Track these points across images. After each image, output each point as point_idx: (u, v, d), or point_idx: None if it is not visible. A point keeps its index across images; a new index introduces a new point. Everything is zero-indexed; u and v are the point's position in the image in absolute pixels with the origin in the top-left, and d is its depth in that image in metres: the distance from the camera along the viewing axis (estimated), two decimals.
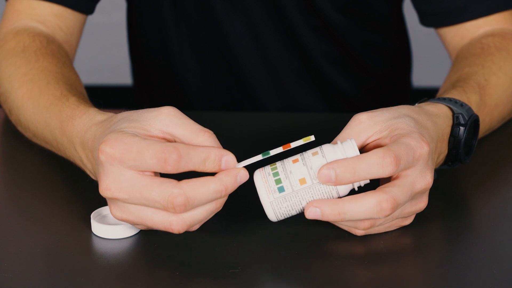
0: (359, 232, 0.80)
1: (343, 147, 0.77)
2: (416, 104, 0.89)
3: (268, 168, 0.78)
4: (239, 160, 0.76)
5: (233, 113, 1.17)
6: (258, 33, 1.25)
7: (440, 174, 0.88)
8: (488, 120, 0.99)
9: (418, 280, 0.76)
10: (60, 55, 1.03)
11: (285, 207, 0.77)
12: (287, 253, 0.78)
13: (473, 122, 0.90)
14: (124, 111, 0.80)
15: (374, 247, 0.79)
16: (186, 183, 0.73)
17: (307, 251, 0.79)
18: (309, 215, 0.76)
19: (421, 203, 0.80)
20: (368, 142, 0.81)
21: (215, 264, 0.76)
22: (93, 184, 0.80)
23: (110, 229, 0.80)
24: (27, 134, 0.99)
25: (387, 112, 0.81)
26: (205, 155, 0.74)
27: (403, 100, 1.40)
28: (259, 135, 1.03)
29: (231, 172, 0.75)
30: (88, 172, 0.84)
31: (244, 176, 0.75)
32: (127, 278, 0.75)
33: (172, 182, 0.73)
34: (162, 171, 0.73)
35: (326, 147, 0.78)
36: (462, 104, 0.89)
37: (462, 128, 0.88)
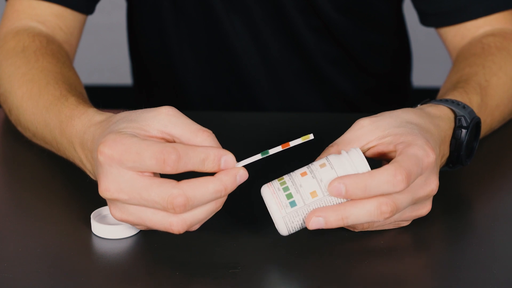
0: (357, 230, 0.80)
1: (350, 158, 0.77)
2: (418, 106, 0.89)
3: (276, 183, 0.78)
4: (239, 159, 0.76)
5: (233, 113, 1.17)
6: (258, 33, 1.25)
7: (441, 175, 0.88)
8: (489, 121, 0.99)
9: (418, 280, 0.76)
10: (60, 55, 1.03)
11: (298, 221, 0.77)
12: (287, 253, 0.78)
13: (475, 124, 0.90)
14: (123, 111, 0.80)
15: (374, 247, 0.79)
16: (186, 183, 0.73)
17: (307, 251, 0.79)
18: (313, 225, 0.76)
19: (423, 209, 0.80)
20: (369, 146, 0.80)
21: (215, 264, 0.76)
22: (93, 184, 0.80)
23: (110, 229, 0.80)
24: (27, 134, 0.99)
25: (390, 118, 0.81)
26: (204, 155, 0.74)
27: (403, 100, 1.40)
28: (259, 135, 1.03)
29: (231, 171, 0.75)
30: (88, 172, 0.84)
31: (243, 175, 0.75)
32: (127, 278, 0.75)
33: (172, 182, 0.73)
34: (161, 172, 0.73)
35: (332, 157, 0.78)
36: (464, 106, 0.89)
37: (464, 131, 0.87)
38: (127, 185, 0.74)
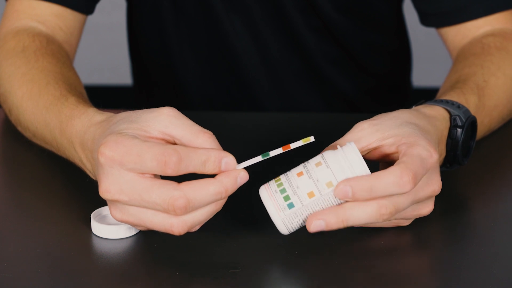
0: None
1: (344, 152, 0.77)
2: (413, 107, 0.89)
3: (273, 185, 0.78)
4: (239, 160, 0.76)
5: (233, 113, 1.17)
6: (258, 33, 1.25)
7: (440, 175, 0.88)
8: (487, 121, 0.99)
9: (418, 280, 0.76)
10: (60, 55, 1.03)
11: (297, 221, 0.77)
12: (287, 253, 0.78)
13: (471, 123, 0.90)
14: (123, 111, 0.80)
15: (374, 247, 0.79)
16: (187, 185, 0.73)
17: (307, 251, 0.79)
18: (313, 229, 0.76)
19: (426, 208, 0.80)
20: (369, 148, 0.80)
21: (215, 264, 0.76)
22: (93, 184, 0.80)
23: (110, 229, 0.80)
24: (27, 134, 0.99)
25: (389, 120, 0.81)
26: (205, 157, 0.74)
27: (403, 100, 1.40)
28: (259, 135, 1.03)
29: (231, 173, 0.75)
30: (88, 172, 0.84)
31: (244, 177, 0.75)
32: (127, 278, 0.75)
33: (173, 184, 0.73)
34: (162, 174, 0.73)
35: (327, 154, 0.78)
36: (459, 106, 0.89)
37: (459, 130, 0.87)
38: (128, 187, 0.74)
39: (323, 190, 0.76)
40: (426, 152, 0.77)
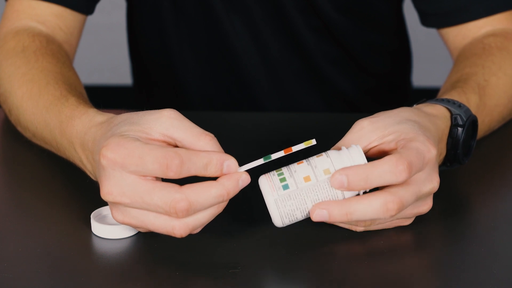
0: (359, 229, 0.80)
1: (349, 153, 0.77)
2: (414, 106, 0.89)
3: (273, 171, 0.78)
4: (239, 161, 0.76)
5: (233, 113, 1.17)
6: (258, 33, 1.25)
7: (440, 175, 0.88)
8: (488, 121, 0.99)
9: (418, 280, 0.76)
10: (60, 55, 1.03)
11: (290, 206, 0.77)
12: (287, 253, 0.78)
13: (471, 122, 0.90)
14: (124, 112, 0.80)
15: (374, 247, 0.79)
16: (188, 188, 0.73)
17: (307, 251, 0.79)
18: (316, 217, 0.76)
19: (425, 206, 0.80)
20: (370, 147, 0.81)
21: (215, 264, 0.76)
22: (93, 184, 0.80)
23: (110, 229, 0.80)
24: (27, 134, 0.99)
25: (389, 118, 0.81)
26: (207, 160, 0.74)
27: (403, 100, 1.40)
28: (259, 135, 1.03)
29: (233, 176, 0.75)
30: (88, 173, 0.84)
31: (245, 180, 0.75)
32: (127, 278, 0.75)
33: (174, 187, 0.73)
34: (164, 177, 0.73)
35: (331, 152, 0.78)
36: (460, 105, 0.89)
37: (460, 129, 0.88)
38: (130, 189, 0.74)
39: (319, 176, 0.76)
40: (424, 147, 0.77)
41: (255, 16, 1.24)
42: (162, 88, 1.35)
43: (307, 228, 0.81)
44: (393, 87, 1.38)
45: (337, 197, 0.77)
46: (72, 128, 0.85)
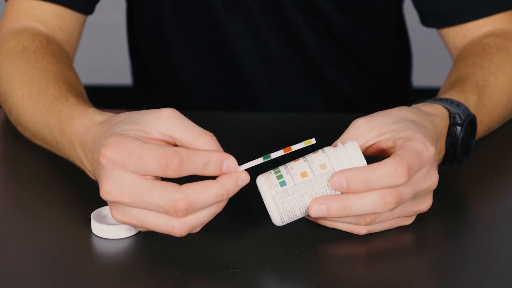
0: (361, 231, 0.80)
1: (346, 148, 0.77)
2: (413, 105, 0.89)
3: (270, 170, 0.79)
4: (239, 161, 0.76)
5: (233, 113, 1.17)
6: (258, 33, 1.25)
7: (440, 174, 0.88)
8: (487, 120, 0.99)
9: (418, 280, 0.76)
10: (60, 55, 1.03)
11: (288, 202, 0.77)
12: (287, 253, 0.78)
13: (470, 121, 0.90)
14: (123, 111, 0.80)
15: (374, 247, 0.79)
16: (188, 187, 0.73)
17: (307, 251, 0.79)
18: (315, 213, 0.76)
19: (425, 204, 0.80)
20: (367, 145, 0.81)
21: (215, 264, 0.76)
22: (93, 184, 0.80)
23: (110, 229, 0.80)
24: (27, 134, 0.99)
25: (386, 117, 0.82)
26: (207, 159, 0.74)
27: (403, 100, 1.40)
28: (259, 135, 1.03)
29: (233, 175, 0.75)
30: (88, 172, 0.84)
31: (245, 179, 0.75)
32: (127, 278, 0.75)
33: (174, 186, 0.73)
34: (164, 176, 0.73)
35: (328, 148, 0.78)
36: (458, 104, 0.89)
37: (458, 128, 0.88)
38: (129, 188, 0.74)
39: (316, 171, 0.77)
40: (422, 146, 0.78)
41: (255, 16, 1.24)
42: (162, 88, 1.35)
43: (307, 228, 0.81)
44: (393, 87, 1.38)
45: (335, 192, 0.77)
46: (71, 128, 0.85)
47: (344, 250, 0.79)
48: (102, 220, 0.82)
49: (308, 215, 0.79)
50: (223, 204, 0.76)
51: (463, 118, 0.88)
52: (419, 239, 0.81)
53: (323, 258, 0.78)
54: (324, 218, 0.79)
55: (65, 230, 0.83)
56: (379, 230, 0.80)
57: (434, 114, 0.87)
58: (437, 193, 0.82)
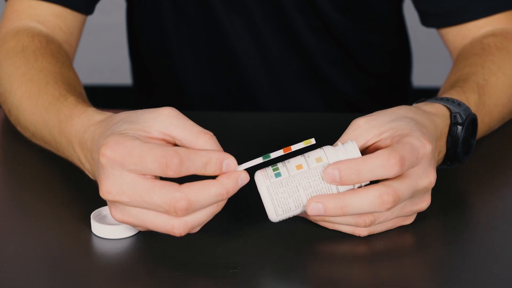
0: (362, 233, 0.80)
1: (345, 148, 0.78)
2: (414, 105, 0.89)
3: (268, 166, 0.79)
4: (239, 161, 0.76)
5: (233, 113, 1.17)
6: (258, 33, 1.25)
7: (440, 174, 0.88)
8: (487, 120, 0.99)
9: (418, 280, 0.76)
10: (60, 55, 1.03)
11: (282, 193, 0.77)
12: (287, 253, 0.78)
13: (471, 121, 0.90)
14: (123, 111, 0.80)
15: (374, 247, 0.79)
16: (188, 187, 0.73)
17: (307, 251, 0.79)
18: (312, 211, 0.76)
19: (423, 203, 0.80)
20: (367, 145, 0.81)
21: (215, 264, 0.76)
22: (93, 184, 0.80)
23: (110, 229, 0.80)
24: (26, 134, 0.99)
25: (385, 115, 0.82)
26: (207, 159, 0.74)
27: (403, 100, 1.40)
28: (259, 135, 1.03)
29: (232, 175, 0.75)
30: (87, 172, 0.84)
31: (245, 179, 0.75)
32: (127, 278, 0.75)
33: (174, 185, 0.73)
34: (163, 176, 0.73)
35: (327, 146, 0.79)
36: (459, 104, 0.89)
37: (459, 127, 0.88)
38: (129, 188, 0.74)
39: (311, 164, 0.77)
40: (419, 142, 0.78)
41: (255, 16, 1.24)
42: (162, 88, 1.35)
43: (307, 227, 0.81)
44: (393, 87, 1.38)
45: (330, 185, 0.77)
46: (71, 127, 0.85)
47: (344, 250, 0.79)
48: (102, 220, 0.82)
49: (308, 216, 0.79)
50: (223, 203, 0.76)
51: (464, 117, 0.88)
52: (419, 239, 0.81)
53: (323, 258, 0.78)
54: (324, 220, 0.79)
55: (65, 230, 0.83)
56: (380, 231, 0.80)
57: (435, 113, 0.87)
58: (437, 192, 0.82)
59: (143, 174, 0.74)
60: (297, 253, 0.79)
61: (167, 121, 0.76)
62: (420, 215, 0.82)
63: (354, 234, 0.80)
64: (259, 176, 0.78)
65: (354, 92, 1.32)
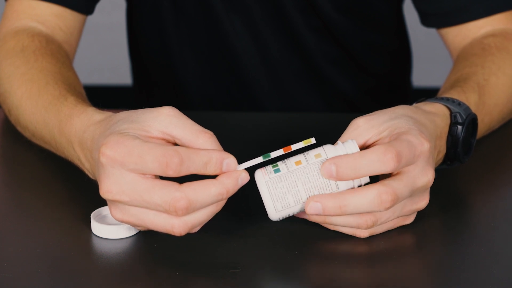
0: (363, 234, 0.79)
1: (344, 146, 0.78)
2: (414, 104, 0.89)
3: (269, 165, 0.79)
4: (239, 161, 0.76)
5: (233, 113, 1.17)
6: (258, 33, 1.25)
7: (440, 174, 0.88)
8: (487, 120, 0.99)
9: (418, 280, 0.76)
10: (60, 55, 1.03)
11: (281, 188, 0.77)
12: (287, 253, 0.78)
13: (471, 120, 0.90)
14: (123, 111, 0.80)
15: (374, 247, 0.79)
16: (188, 186, 0.73)
17: (307, 251, 0.79)
18: (310, 210, 0.76)
19: (423, 201, 0.80)
20: (367, 144, 0.81)
21: (215, 264, 0.76)
22: (93, 184, 0.80)
23: (110, 229, 0.80)
24: (26, 134, 0.99)
25: (384, 115, 0.82)
26: (207, 158, 0.74)
27: (403, 100, 1.40)
28: (259, 135, 1.03)
29: (232, 174, 0.75)
30: (86, 172, 0.84)
31: (245, 178, 0.75)
32: (127, 278, 0.75)
33: (174, 185, 0.73)
34: (164, 175, 0.73)
35: (327, 145, 0.79)
36: (459, 103, 0.89)
37: (460, 127, 0.88)
38: (129, 187, 0.74)
39: (310, 159, 0.77)
40: (416, 140, 0.78)
41: (255, 16, 1.24)
42: (162, 88, 1.35)
43: (307, 227, 0.81)
44: (393, 87, 1.38)
45: (330, 185, 0.77)
46: (70, 127, 0.85)
47: (344, 250, 0.79)
48: (102, 220, 0.82)
49: (308, 217, 0.79)
50: (223, 203, 0.76)
51: (464, 117, 0.88)
52: (419, 239, 0.81)
53: (323, 258, 0.78)
54: (324, 221, 0.79)
55: (65, 230, 0.83)
56: (381, 232, 0.80)
57: (435, 113, 0.87)
58: (437, 192, 0.82)
59: (143, 174, 0.74)
60: (297, 253, 0.79)
61: (167, 120, 0.76)
62: (420, 215, 0.82)
63: (355, 235, 0.80)
64: (258, 173, 0.78)
65: (354, 92, 1.32)
